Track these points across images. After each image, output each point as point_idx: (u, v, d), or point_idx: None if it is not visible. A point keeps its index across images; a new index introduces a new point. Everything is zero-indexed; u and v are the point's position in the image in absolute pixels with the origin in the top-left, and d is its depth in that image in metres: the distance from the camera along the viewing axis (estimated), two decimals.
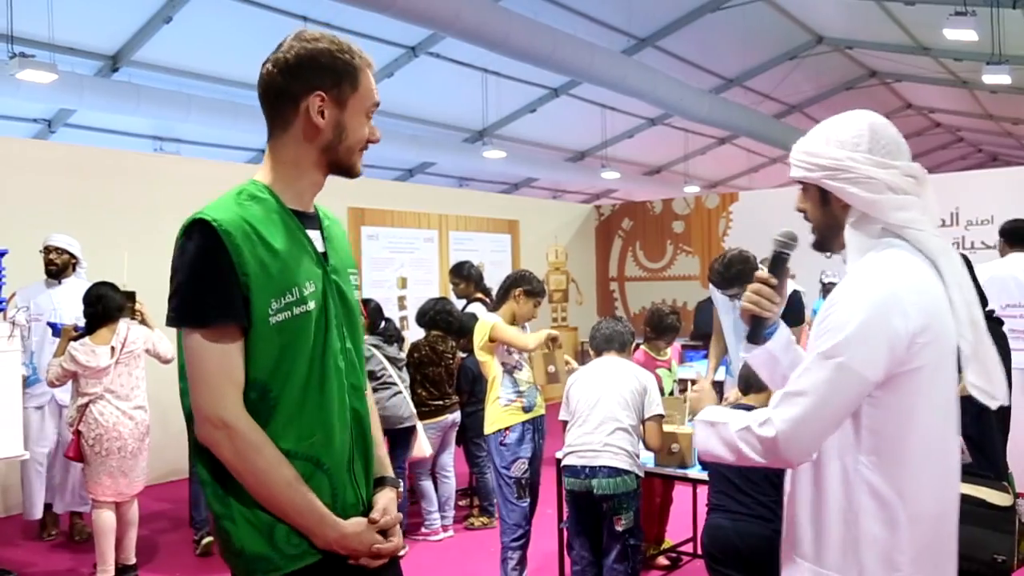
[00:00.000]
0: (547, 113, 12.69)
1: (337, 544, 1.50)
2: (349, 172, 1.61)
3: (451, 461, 5.20)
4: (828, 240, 1.67)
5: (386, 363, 4.83)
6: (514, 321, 4.01)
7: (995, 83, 8.74)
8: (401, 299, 8.36)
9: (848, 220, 1.61)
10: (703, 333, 5.77)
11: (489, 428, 3.94)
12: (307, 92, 1.51)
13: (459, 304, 5.58)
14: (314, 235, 1.59)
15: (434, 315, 5.10)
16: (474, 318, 4.67)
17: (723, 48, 11.60)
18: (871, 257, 1.56)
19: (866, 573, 1.53)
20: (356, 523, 1.53)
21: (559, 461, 3.60)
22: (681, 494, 4.71)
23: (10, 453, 3.98)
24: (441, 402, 5.00)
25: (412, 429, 4.80)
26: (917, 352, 1.48)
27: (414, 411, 4.83)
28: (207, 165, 8.10)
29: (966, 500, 1.76)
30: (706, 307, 5.17)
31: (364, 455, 1.63)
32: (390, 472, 1.71)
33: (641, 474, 3.39)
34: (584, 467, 3.34)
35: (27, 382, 4.71)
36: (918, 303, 1.49)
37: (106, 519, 4.13)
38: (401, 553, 1.61)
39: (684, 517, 4.71)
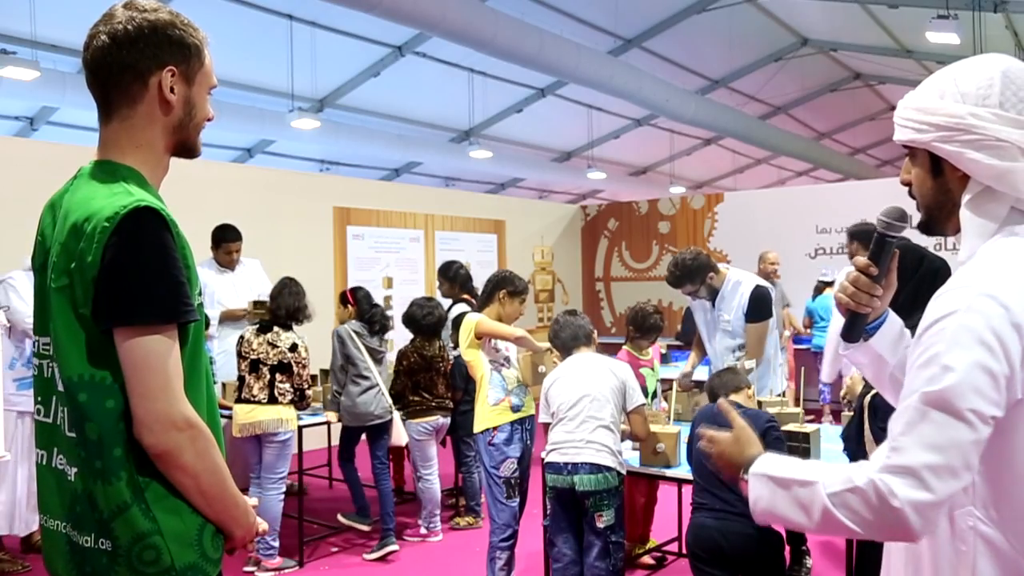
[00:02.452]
0: (533, 113, 12.72)
1: (249, 529, 1.50)
2: (192, 151, 1.54)
3: (436, 462, 5.19)
4: (938, 221, 1.34)
5: (366, 354, 4.81)
6: (502, 322, 4.02)
7: None
8: (387, 299, 8.34)
9: (965, 196, 1.27)
10: (689, 339, 5.77)
11: (478, 427, 3.94)
12: (158, 67, 1.42)
13: (444, 304, 5.56)
14: None
15: (420, 321, 5.03)
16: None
17: (709, 49, 11.67)
18: (991, 247, 1.24)
19: None
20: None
21: (544, 460, 3.61)
22: (666, 494, 4.72)
23: None
24: (436, 402, 4.98)
25: (388, 423, 4.79)
26: None
27: (389, 404, 4.81)
28: (190, 164, 8.03)
29: None
30: (689, 315, 5.16)
31: None
32: None
33: (623, 472, 3.40)
34: (566, 463, 3.35)
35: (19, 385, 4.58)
36: None
37: None
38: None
39: (669, 516, 4.73)
